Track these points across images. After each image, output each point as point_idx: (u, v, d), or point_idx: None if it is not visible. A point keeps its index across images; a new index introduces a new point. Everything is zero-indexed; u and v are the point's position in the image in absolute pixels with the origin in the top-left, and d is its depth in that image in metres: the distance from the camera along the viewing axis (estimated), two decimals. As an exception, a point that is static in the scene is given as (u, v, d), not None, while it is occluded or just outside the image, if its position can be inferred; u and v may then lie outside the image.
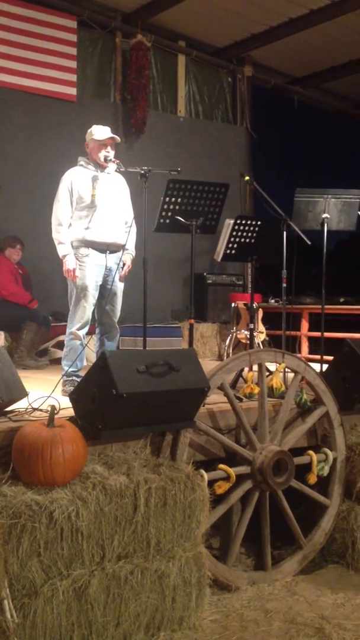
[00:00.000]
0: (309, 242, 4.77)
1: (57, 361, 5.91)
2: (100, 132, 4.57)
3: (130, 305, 4.99)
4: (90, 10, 7.61)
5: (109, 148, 4.58)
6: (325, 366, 4.62)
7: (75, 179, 4.54)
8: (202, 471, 3.32)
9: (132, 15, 7.94)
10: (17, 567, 2.62)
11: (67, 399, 3.41)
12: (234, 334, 6.80)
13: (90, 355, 5.34)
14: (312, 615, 3.35)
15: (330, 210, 5.01)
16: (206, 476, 3.32)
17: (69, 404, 3.32)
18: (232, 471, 3.58)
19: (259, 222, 4.66)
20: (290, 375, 4.20)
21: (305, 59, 9.09)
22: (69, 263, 4.46)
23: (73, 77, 7.45)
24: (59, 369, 4.81)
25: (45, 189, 5.21)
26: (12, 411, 3.38)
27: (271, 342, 6.86)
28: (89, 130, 4.63)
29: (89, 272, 4.50)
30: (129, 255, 4.67)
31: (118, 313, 4.72)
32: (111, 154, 4.59)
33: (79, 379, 4.13)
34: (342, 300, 8.25)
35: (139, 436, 3.42)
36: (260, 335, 6.64)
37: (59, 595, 2.69)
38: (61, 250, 4.49)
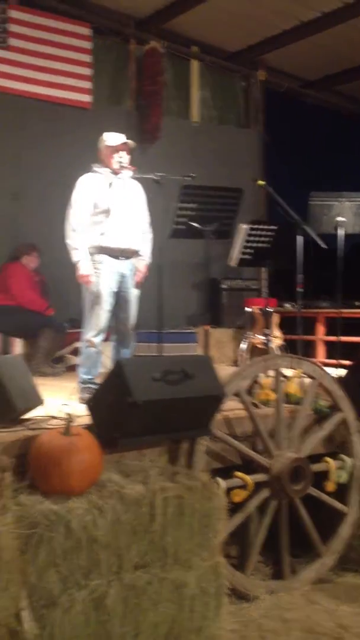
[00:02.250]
0: (324, 246, 4.74)
1: (73, 368, 5.91)
2: (112, 138, 4.57)
3: (145, 311, 4.98)
4: (104, 17, 7.64)
5: (122, 154, 4.57)
6: (342, 371, 4.58)
7: (90, 185, 4.54)
8: (219, 479, 3.30)
9: (145, 21, 7.95)
10: (34, 577, 2.61)
11: (84, 406, 3.41)
12: (250, 339, 6.76)
13: (107, 362, 5.33)
14: (331, 625, 3.31)
15: (345, 214, 5.00)
16: (223, 484, 3.30)
17: (86, 412, 3.32)
18: (249, 479, 3.56)
19: (273, 227, 4.65)
20: (307, 381, 4.17)
21: (319, 62, 9.05)
22: (83, 269, 4.46)
23: (88, 85, 7.48)
24: (75, 375, 4.81)
25: (60, 196, 5.21)
26: (28, 419, 3.38)
27: (287, 346, 6.82)
28: (100, 138, 4.62)
29: (103, 278, 4.50)
30: (142, 262, 4.66)
31: (133, 320, 4.71)
32: (125, 159, 4.57)
33: (95, 387, 4.13)
34: (358, 303, 8.19)
35: (155, 444, 3.40)
36: (276, 340, 6.60)
37: (77, 606, 2.67)
38: (75, 256, 4.49)
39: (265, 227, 4.63)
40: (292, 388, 4.13)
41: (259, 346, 6.71)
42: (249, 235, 4.59)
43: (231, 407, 3.84)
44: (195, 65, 8.63)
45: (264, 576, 3.89)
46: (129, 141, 4.60)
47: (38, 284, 6.41)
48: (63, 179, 6.11)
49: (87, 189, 4.52)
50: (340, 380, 4.21)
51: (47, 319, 6.17)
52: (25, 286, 6.16)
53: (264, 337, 5.17)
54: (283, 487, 3.63)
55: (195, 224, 4.36)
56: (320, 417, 4.07)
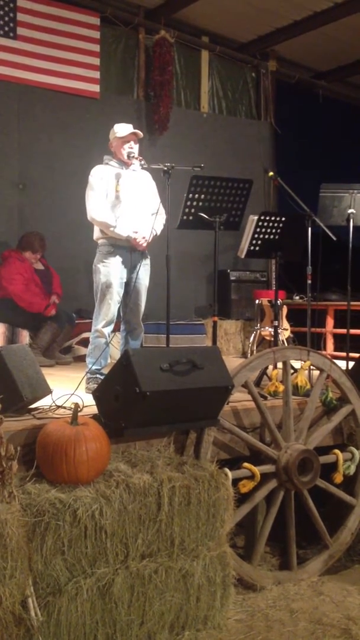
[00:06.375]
0: (334, 238, 4.71)
1: (81, 358, 5.91)
2: (122, 129, 4.57)
3: (153, 303, 4.97)
4: (113, 6, 7.60)
5: (132, 143, 4.57)
6: (351, 364, 4.56)
7: (102, 176, 4.54)
8: (227, 470, 3.30)
9: (155, 11, 7.90)
10: (41, 565, 2.62)
11: (91, 396, 3.41)
12: (258, 331, 6.75)
13: (115, 353, 5.34)
14: (339, 616, 3.30)
15: (356, 206, 4.96)
16: (230, 475, 3.29)
17: (93, 402, 3.32)
18: (257, 470, 3.55)
19: (283, 218, 4.62)
20: (316, 373, 4.15)
21: (330, 53, 8.97)
22: (122, 231, 4.41)
23: (96, 74, 7.45)
24: (83, 366, 4.81)
25: (69, 186, 5.22)
26: (36, 409, 3.38)
27: (296, 339, 6.80)
28: (111, 130, 4.63)
29: (113, 269, 4.49)
30: (150, 231, 4.50)
31: (142, 311, 4.70)
32: (135, 149, 4.57)
33: (102, 377, 4.13)
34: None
35: (163, 434, 3.40)
36: (285, 332, 6.59)
37: (83, 594, 2.68)
38: (109, 224, 4.42)
39: (275, 218, 4.59)
40: (301, 380, 4.12)
41: (268, 338, 6.70)
42: (258, 226, 4.55)
43: (239, 398, 3.83)
44: (205, 56, 8.57)
45: (271, 567, 3.90)
46: (137, 131, 4.59)
47: (39, 273, 6.23)
48: (71, 168, 6.13)
49: (100, 178, 4.51)
50: (349, 372, 4.19)
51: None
52: (22, 287, 5.92)
53: (272, 329, 5.14)
54: (290, 479, 3.62)
55: (204, 215, 4.32)
56: (328, 409, 4.05)
